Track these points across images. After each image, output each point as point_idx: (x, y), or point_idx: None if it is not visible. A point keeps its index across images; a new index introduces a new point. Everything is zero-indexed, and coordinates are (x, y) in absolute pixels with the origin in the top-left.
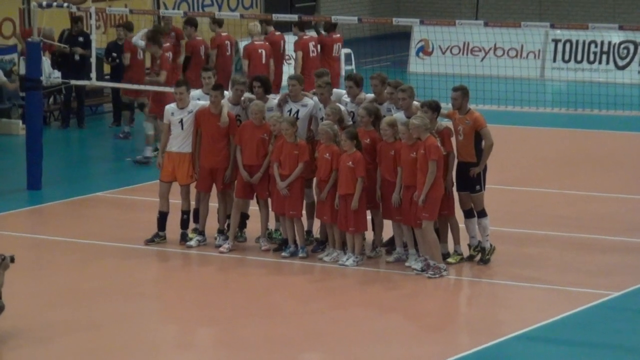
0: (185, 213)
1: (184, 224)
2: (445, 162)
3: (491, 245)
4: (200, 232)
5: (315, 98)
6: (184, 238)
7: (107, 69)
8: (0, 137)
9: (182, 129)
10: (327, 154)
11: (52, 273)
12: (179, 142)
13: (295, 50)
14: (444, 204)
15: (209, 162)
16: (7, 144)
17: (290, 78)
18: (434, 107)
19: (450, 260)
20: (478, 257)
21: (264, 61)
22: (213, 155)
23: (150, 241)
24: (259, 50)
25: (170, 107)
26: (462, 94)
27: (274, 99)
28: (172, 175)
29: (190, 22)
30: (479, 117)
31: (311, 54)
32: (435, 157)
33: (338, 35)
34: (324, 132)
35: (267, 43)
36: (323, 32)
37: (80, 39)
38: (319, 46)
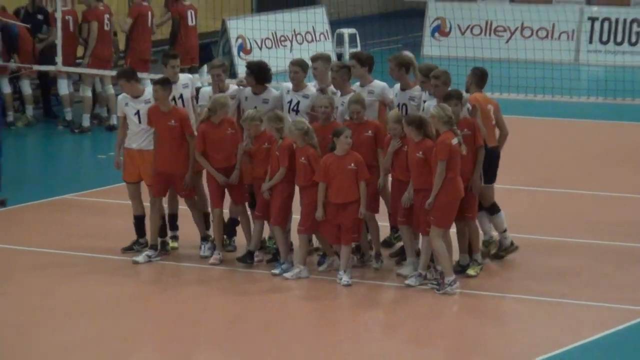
0: (160, 218)
1: (160, 232)
2: (474, 158)
3: (512, 244)
4: (152, 246)
5: (312, 88)
6: (163, 247)
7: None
8: None
9: (140, 121)
10: (303, 158)
11: (15, 288)
12: (139, 139)
13: (89, 20)
14: (467, 206)
15: (164, 166)
16: None
17: (292, 64)
18: (459, 96)
19: (470, 272)
20: (492, 251)
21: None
22: (168, 158)
23: (128, 249)
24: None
25: (124, 96)
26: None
27: (233, 86)
28: (138, 175)
29: None
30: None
31: (105, 27)
32: (443, 156)
33: (189, 3)
34: (290, 132)
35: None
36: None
37: (39, 16)
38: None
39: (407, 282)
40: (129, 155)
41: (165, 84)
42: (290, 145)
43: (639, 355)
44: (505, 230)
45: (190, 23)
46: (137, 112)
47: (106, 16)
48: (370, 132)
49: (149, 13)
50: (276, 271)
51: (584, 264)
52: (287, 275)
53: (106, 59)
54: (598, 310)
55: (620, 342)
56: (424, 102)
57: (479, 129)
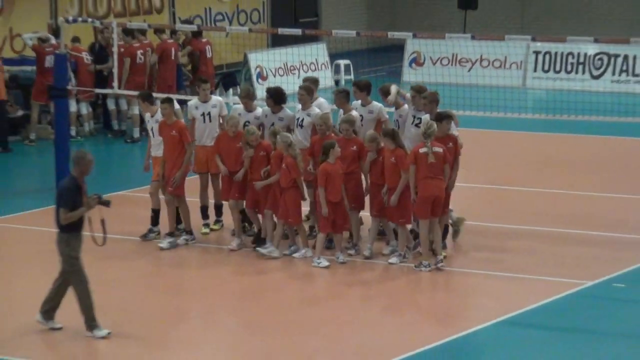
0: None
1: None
2: (451, 165)
3: (458, 218)
4: (188, 232)
5: (315, 110)
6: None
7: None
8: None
9: (153, 135)
10: (284, 165)
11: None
12: (155, 148)
13: (124, 56)
14: (444, 202)
15: (168, 169)
16: (43, 148)
17: (300, 88)
18: (449, 116)
19: (441, 253)
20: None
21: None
22: (170, 162)
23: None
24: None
25: (147, 114)
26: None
27: (260, 107)
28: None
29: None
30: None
31: (138, 60)
32: (410, 160)
33: (206, 40)
34: (277, 143)
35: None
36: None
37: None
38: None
39: (389, 260)
40: (153, 161)
41: (170, 102)
42: (282, 154)
43: (574, 316)
44: (451, 210)
45: (207, 55)
46: (152, 128)
47: (139, 52)
48: (355, 147)
49: (172, 49)
50: (286, 252)
51: (530, 246)
52: (295, 255)
53: (139, 85)
54: (542, 282)
55: (561, 307)
56: (413, 116)
57: (458, 144)
